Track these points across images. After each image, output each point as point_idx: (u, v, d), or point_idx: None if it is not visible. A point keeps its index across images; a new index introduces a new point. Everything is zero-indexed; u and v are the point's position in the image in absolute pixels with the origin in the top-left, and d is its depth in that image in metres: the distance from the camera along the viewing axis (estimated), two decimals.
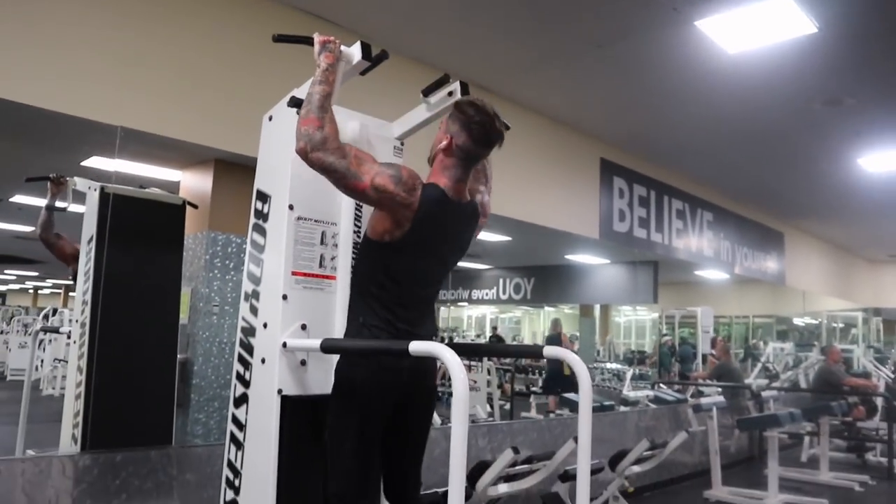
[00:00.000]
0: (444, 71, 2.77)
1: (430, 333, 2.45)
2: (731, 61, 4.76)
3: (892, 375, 9.86)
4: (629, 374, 8.32)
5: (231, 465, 2.49)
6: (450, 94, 2.62)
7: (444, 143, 2.29)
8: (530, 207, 5.94)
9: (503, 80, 5.30)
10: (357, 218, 2.60)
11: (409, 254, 2.29)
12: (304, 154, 2.16)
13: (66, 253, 3.56)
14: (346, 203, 2.60)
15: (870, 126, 6.17)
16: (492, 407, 7.56)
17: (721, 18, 4.20)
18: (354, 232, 2.56)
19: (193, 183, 4.37)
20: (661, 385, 7.94)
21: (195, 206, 3.84)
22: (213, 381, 4.14)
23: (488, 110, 2.29)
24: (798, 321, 14.55)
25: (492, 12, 4.28)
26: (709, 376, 8.75)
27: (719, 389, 7.53)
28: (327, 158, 2.15)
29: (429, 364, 2.42)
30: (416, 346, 1.95)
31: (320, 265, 2.53)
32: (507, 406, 7.96)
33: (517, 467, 3.83)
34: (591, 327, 12.95)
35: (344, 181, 2.19)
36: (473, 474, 3.64)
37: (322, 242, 2.55)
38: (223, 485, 2.51)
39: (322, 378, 2.42)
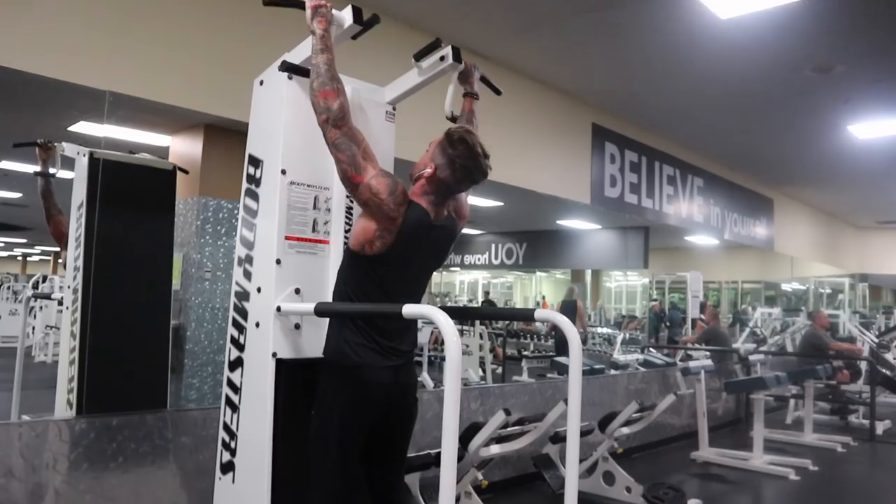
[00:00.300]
0: (436, 35, 2.75)
1: (411, 347, 2.50)
2: (723, 27, 4.72)
3: (877, 340, 9.99)
4: (619, 339, 8.40)
5: (227, 428, 2.52)
6: (441, 58, 2.61)
7: (429, 171, 2.33)
8: (522, 172, 5.94)
9: (495, 45, 5.25)
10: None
11: (389, 267, 2.33)
12: (325, 127, 2.25)
13: (61, 232, 3.54)
14: None
15: (860, 93, 6.17)
16: (484, 371, 7.64)
17: None
18: (347, 196, 2.56)
19: (183, 148, 4.34)
20: (651, 349, 8.02)
21: (186, 172, 3.82)
22: (207, 346, 4.17)
23: (476, 151, 2.33)
24: (786, 287, 14.69)
25: None
26: (697, 340, 8.85)
27: (708, 353, 7.62)
28: (338, 138, 2.24)
29: (411, 378, 2.49)
30: (410, 309, 1.96)
31: (313, 230, 2.54)
32: (500, 370, 8.05)
33: (509, 429, 3.88)
34: (583, 292, 13.04)
35: (347, 168, 2.25)
36: (466, 436, 3.69)
37: (315, 207, 2.56)
38: (219, 447, 2.55)
39: (316, 341, 2.44)
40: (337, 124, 2.23)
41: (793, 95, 6.30)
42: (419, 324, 2.38)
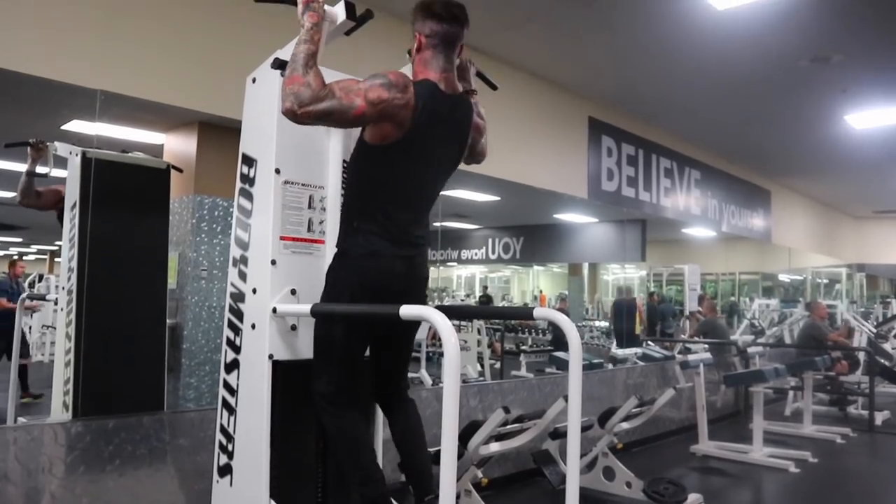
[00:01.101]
0: None
1: (425, 236, 2.43)
2: (720, 18, 4.71)
3: (875, 330, 9.99)
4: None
5: (224, 431, 2.50)
6: None
7: (416, 43, 2.30)
8: (519, 167, 5.91)
9: (490, 39, 5.22)
10: (345, 180, 2.58)
11: (410, 153, 2.26)
12: (292, 114, 2.13)
13: (51, 201, 3.50)
14: (333, 165, 2.57)
15: (857, 83, 6.15)
16: (482, 367, 7.62)
17: None
18: (342, 194, 2.54)
19: (177, 146, 4.31)
20: (650, 343, 8.01)
21: (180, 170, 3.79)
22: (204, 345, 4.14)
23: None
24: (783, 278, 14.69)
25: None
26: (695, 333, 8.84)
27: (706, 346, 7.61)
28: (319, 106, 2.12)
29: (425, 271, 2.44)
30: (407, 310, 1.94)
31: (308, 229, 2.52)
32: (498, 365, 8.03)
33: (508, 426, 3.86)
34: (580, 286, 13.02)
35: (343, 117, 2.16)
36: (465, 434, 3.67)
37: (310, 206, 2.53)
38: (216, 450, 2.52)
39: (312, 343, 2.41)
40: (303, 104, 2.10)
41: (790, 86, 6.29)
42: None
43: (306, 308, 2.26)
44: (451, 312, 2.21)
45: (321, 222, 2.55)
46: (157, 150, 4.29)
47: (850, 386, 8.24)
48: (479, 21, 4.79)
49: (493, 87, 2.89)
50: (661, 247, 11.87)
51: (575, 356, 2.19)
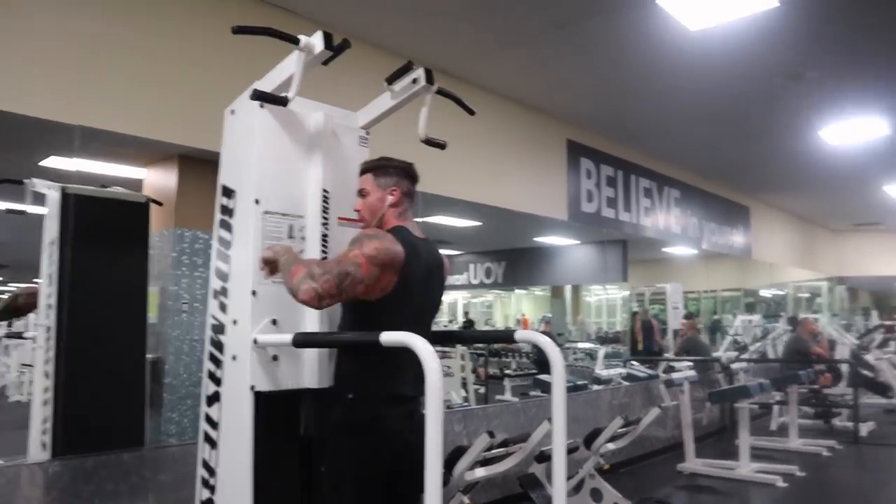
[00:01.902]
0: (407, 58, 2.75)
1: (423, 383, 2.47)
2: (694, 38, 4.77)
3: (857, 342, 10.08)
4: (601, 353, 8.41)
5: (206, 465, 2.47)
6: (414, 80, 2.61)
7: (393, 198, 2.44)
8: (498, 192, 5.95)
9: (467, 64, 5.28)
10: (325, 210, 2.59)
11: (403, 301, 2.33)
12: (313, 294, 2.12)
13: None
14: (313, 194, 2.58)
15: (830, 98, 6.26)
16: (467, 392, 7.59)
17: None
18: (322, 224, 2.55)
19: (158, 180, 4.30)
20: (633, 362, 8.03)
21: (159, 204, 3.78)
22: (186, 379, 4.11)
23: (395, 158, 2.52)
24: (765, 293, 14.79)
25: None
26: (677, 352, 8.88)
27: (690, 364, 7.63)
28: (331, 278, 2.14)
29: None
30: (389, 337, 1.94)
31: None
32: (483, 390, 8.00)
33: (493, 451, 3.85)
34: (562, 308, 13.04)
35: (355, 278, 2.19)
36: (450, 460, 3.65)
37: (290, 236, 2.53)
38: (198, 485, 2.50)
39: (295, 372, 2.41)
40: (317, 277, 2.13)
41: (764, 103, 6.39)
42: None
43: (288, 338, 2.25)
44: (433, 337, 2.21)
45: (301, 251, 2.55)
46: (137, 185, 4.28)
47: (835, 398, 8.29)
48: (455, 47, 4.89)
49: (471, 112, 2.92)
50: (642, 266, 11.95)
51: (558, 378, 2.19)
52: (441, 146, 2.78)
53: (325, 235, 2.57)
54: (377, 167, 2.49)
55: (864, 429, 7.59)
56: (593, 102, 6.35)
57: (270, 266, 2.29)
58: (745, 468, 5.79)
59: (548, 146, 6.64)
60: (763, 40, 4.90)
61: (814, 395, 8.23)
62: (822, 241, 14.09)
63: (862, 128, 7.07)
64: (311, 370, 2.47)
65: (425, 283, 2.45)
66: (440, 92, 2.77)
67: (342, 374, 2.40)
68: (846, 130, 7.18)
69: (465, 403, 6.91)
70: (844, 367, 8.64)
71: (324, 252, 2.55)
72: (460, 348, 7.33)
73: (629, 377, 6.91)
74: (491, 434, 3.62)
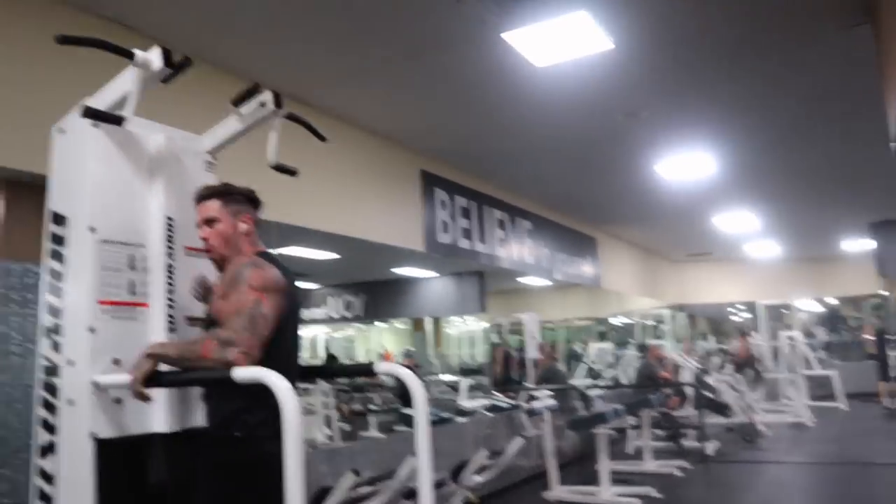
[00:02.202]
0: (257, 81, 2.62)
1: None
2: (540, 74, 4.90)
3: (699, 366, 10.69)
4: (464, 385, 8.43)
5: None
6: (262, 104, 2.49)
7: (247, 225, 2.38)
8: (354, 222, 5.84)
9: (318, 92, 5.15)
10: (169, 238, 2.39)
11: (286, 330, 2.27)
12: (253, 361, 1.99)
13: None
14: (156, 221, 2.38)
15: (662, 135, 6.65)
16: (330, 429, 7.35)
17: (526, 32, 4.25)
18: (167, 253, 2.35)
19: None
20: (495, 392, 8.10)
21: None
22: (19, 429, 3.67)
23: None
24: (615, 321, 15.48)
25: (303, 20, 4.13)
26: (537, 381, 9.04)
27: (550, 392, 7.77)
28: (252, 338, 2.05)
29: None
30: (242, 373, 1.81)
31: (130, 292, 2.29)
32: (347, 427, 7.77)
33: (360, 489, 3.70)
34: (424, 341, 13.04)
35: (265, 324, 2.12)
36: (315, 501, 3.48)
37: (131, 267, 2.31)
38: None
39: (142, 416, 2.18)
40: (239, 331, 2.04)
41: (607, 139, 6.69)
42: None
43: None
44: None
45: (144, 283, 2.34)
46: None
47: (683, 420, 8.72)
48: (307, 74, 4.77)
49: (322, 139, 2.82)
50: (501, 298, 12.18)
51: (421, 411, 2.14)
52: (292, 173, 2.67)
53: (170, 266, 2.37)
54: (225, 192, 2.36)
55: (710, 447, 8.01)
56: (446, 133, 6.40)
57: (148, 378, 2.03)
58: (607, 492, 5.91)
59: (402, 176, 6.62)
60: (603, 79, 5.12)
61: (664, 417, 8.62)
62: (664, 270, 14.97)
63: (691, 163, 7.55)
64: (162, 412, 2.24)
65: (297, 310, 2.39)
66: (290, 117, 2.67)
67: (224, 413, 2.19)
68: (678, 165, 7.64)
69: (330, 441, 6.68)
70: (689, 390, 9.12)
71: (170, 284, 2.35)
72: (322, 385, 7.12)
73: (493, 408, 6.93)
74: (356, 472, 3.48)
